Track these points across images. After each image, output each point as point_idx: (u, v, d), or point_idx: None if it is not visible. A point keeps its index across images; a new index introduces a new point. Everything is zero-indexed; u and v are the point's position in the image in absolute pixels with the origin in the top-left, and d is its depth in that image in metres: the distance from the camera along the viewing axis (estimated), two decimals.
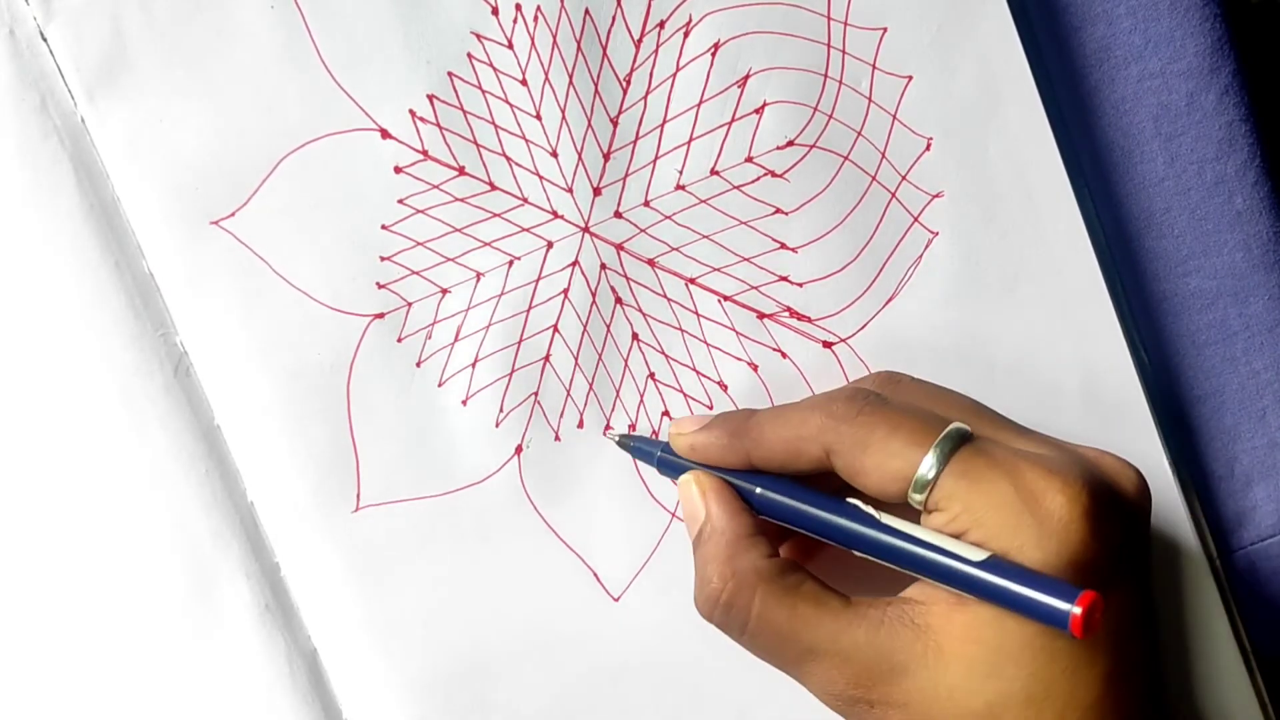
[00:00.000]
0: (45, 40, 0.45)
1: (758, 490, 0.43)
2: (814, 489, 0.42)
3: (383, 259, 0.47)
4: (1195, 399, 0.51)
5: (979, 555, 0.37)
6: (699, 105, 0.47)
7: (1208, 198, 0.50)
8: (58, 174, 0.47)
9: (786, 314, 0.48)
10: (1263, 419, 0.51)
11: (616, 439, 0.47)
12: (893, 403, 0.41)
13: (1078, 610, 0.35)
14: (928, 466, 0.38)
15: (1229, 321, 0.50)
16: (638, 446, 0.46)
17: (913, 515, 0.40)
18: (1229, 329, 0.50)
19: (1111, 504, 0.38)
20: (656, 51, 0.47)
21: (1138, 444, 0.48)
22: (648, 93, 0.47)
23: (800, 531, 0.42)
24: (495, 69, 0.47)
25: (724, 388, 0.48)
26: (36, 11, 0.45)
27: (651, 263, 0.47)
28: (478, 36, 0.47)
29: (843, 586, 0.41)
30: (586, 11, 0.46)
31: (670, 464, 0.45)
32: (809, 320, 0.48)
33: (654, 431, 0.49)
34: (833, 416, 0.40)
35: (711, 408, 0.48)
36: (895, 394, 0.43)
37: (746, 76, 0.47)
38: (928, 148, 0.47)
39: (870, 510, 0.40)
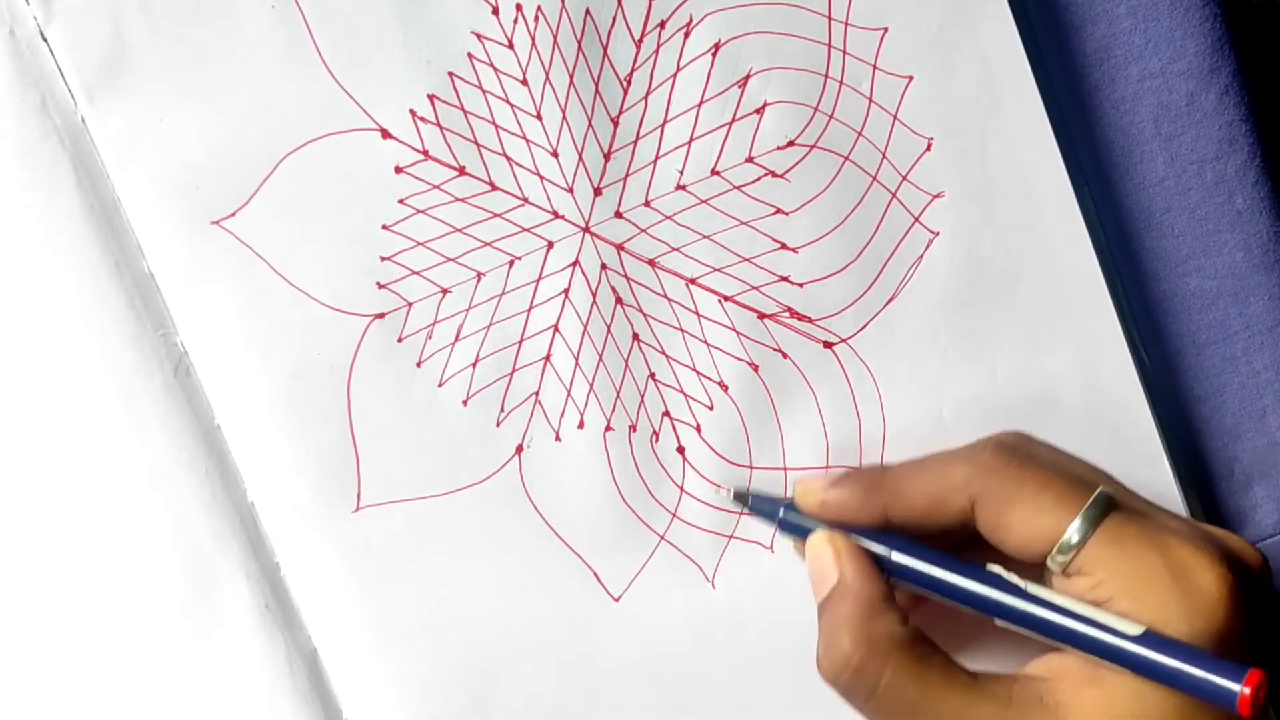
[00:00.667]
0: (45, 40, 0.45)
1: (893, 555, 0.42)
2: (948, 554, 0.41)
3: (383, 259, 0.47)
4: (1195, 399, 0.50)
5: (1135, 629, 0.37)
6: (699, 105, 0.46)
7: (1208, 198, 0.49)
8: (58, 174, 0.47)
9: (787, 314, 0.47)
10: (1263, 419, 0.50)
11: (732, 496, 0.45)
12: (1040, 459, 0.41)
13: (1246, 690, 0.35)
14: (1075, 529, 0.38)
15: (1229, 321, 0.50)
16: (756, 504, 0.45)
17: (1040, 575, 0.40)
18: (1229, 329, 0.50)
19: (1252, 583, 0.39)
20: (657, 51, 0.46)
21: (1138, 444, 0.48)
22: (648, 93, 0.46)
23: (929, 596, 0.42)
24: (496, 69, 0.46)
25: (724, 388, 0.47)
26: (37, 11, 0.44)
27: (652, 263, 0.47)
28: (478, 36, 0.47)
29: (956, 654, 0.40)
30: (587, 11, 0.46)
31: (793, 524, 0.44)
32: (809, 320, 0.47)
33: (654, 433, 0.48)
34: (981, 468, 0.40)
35: (712, 408, 0.47)
36: (1036, 452, 0.42)
37: (747, 77, 0.46)
38: (928, 148, 0.47)
39: (1016, 580, 0.39)
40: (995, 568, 0.40)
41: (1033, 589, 0.39)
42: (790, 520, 0.44)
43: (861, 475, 0.43)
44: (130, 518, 0.46)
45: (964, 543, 0.42)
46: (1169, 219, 0.50)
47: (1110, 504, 0.39)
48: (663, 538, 0.49)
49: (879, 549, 0.42)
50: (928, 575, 0.41)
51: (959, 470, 0.41)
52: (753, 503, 0.45)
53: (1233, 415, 0.50)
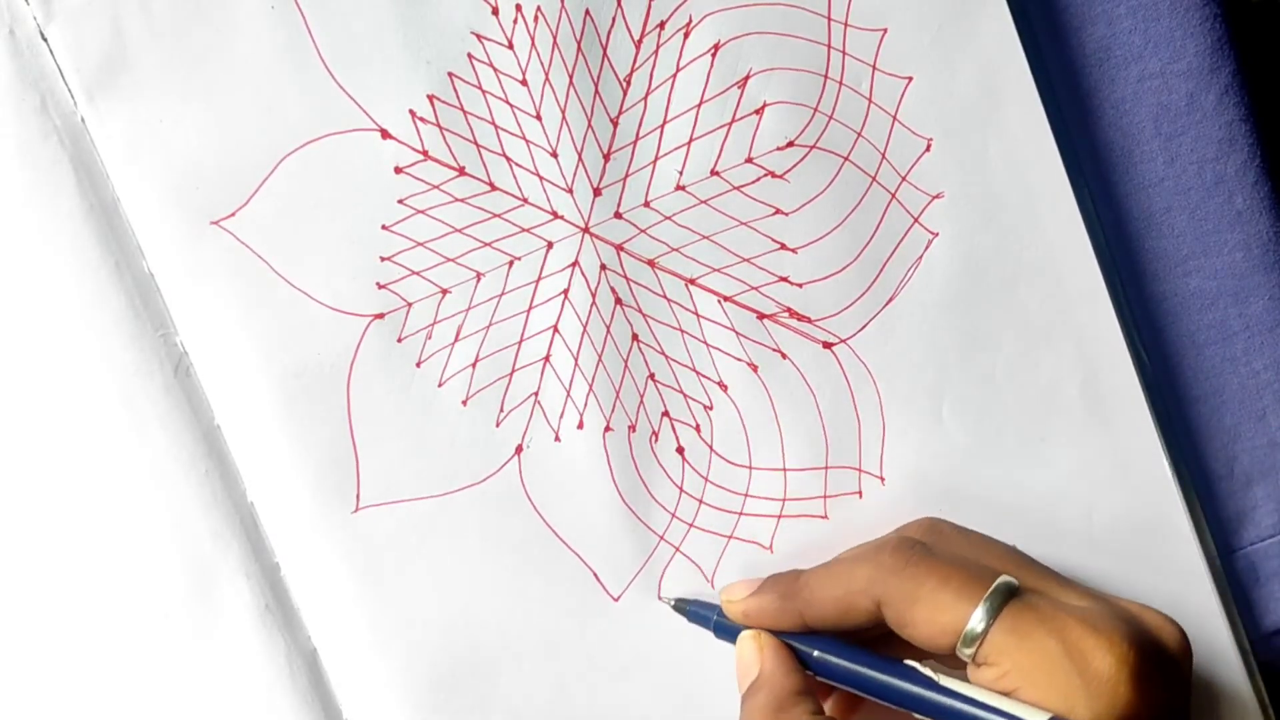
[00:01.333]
0: (45, 40, 0.44)
1: (815, 653, 0.43)
2: (870, 650, 0.43)
3: (383, 259, 0.47)
4: (1195, 399, 0.50)
5: (1041, 717, 0.37)
6: (699, 106, 0.46)
7: (1208, 198, 0.49)
8: (58, 174, 0.46)
9: (786, 314, 0.47)
10: (1262, 419, 0.50)
11: (671, 603, 0.46)
12: (939, 553, 0.41)
13: None
14: (977, 620, 0.39)
15: (1229, 322, 0.49)
16: (694, 611, 0.46)
17: (961, 665, 0.40)
18: (1229, 329, 0.50)
19: (1156, 661, 0.39)
20: (657, 52, 0.46)
21: (1137, 443, 0.48)
22: (648, 93, 0.46)
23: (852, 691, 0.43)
24: (495, 69, 0.46)
25: (724, 388, 0.47)
26: (36, 11, 0.44)
27: (651, 263, 0.47)
28: (478, 37, 0.47)
29: None
30: (587, 12, 0.46)
31: (726, 628, 0.46)
32: (809, 320, 0.47)
33: (654, 433, 0.48)
34: (881, 568, 0.41)
35: (711, 409, 0.47)
36: (939, 543, 0.43)
37: (746, 77, 0.46)
38: (928, 148, 0.46)
39: (929, 673, 0.40)
40: (911, 662, 0.41)
41: (945, 682, 0.40)
42: (724, 624, 0.46)
43: (777, 583, 0.45)
44: (130, 517, 0.46)
45: (890, 636, 0.42)
46: (1169, 219, 0.49)
47: (1010, 592, 0.40)
48: (662, 538, 0.48)
49: (802, 648, 0.44)
50: (848, 672, 0.43)
51: (861, 574, 0.42)
52: (689, 611, 0.46)
53: (1232, 415, 0.50)
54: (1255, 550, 0.51)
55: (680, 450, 0.47)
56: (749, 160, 0.46)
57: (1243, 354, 0.50)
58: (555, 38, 0.46)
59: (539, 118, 0.46)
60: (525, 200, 0.46)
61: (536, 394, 0.47)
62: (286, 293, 0.46)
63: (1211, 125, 0.49)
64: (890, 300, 0.47)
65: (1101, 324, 0.47)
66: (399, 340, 0.47)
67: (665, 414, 0.47)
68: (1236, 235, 0.49)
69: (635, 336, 0.47)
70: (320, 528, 0.46)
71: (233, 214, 0.47)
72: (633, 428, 0.47)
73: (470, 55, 0.47)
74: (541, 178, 0.46)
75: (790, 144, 0.46)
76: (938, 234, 0.47)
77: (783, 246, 0.47)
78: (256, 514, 0.48)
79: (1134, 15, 0.49)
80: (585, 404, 0.47)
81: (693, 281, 0.47)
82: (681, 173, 0.46)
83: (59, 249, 0.46)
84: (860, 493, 0.47)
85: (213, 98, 0.45)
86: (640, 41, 0.47)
